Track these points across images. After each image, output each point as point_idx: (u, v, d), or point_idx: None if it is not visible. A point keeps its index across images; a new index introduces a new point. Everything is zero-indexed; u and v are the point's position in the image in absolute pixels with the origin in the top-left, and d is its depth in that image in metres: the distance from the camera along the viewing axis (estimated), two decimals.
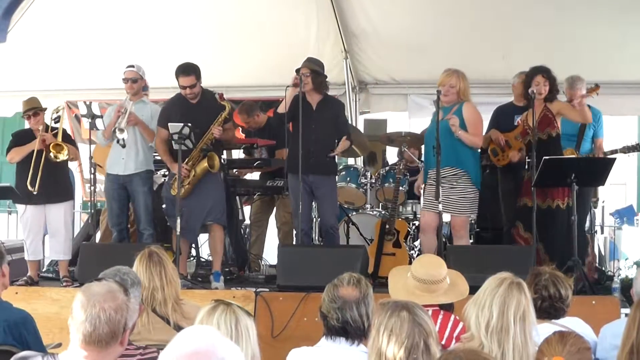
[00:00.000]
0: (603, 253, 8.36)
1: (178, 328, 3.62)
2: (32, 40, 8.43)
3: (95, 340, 2.51)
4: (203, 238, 7.62)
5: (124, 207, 7.01)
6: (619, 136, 9.00)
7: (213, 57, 8.49)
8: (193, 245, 7.64)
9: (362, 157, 8.76)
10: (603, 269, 7.52)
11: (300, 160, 6.38)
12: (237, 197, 7.97)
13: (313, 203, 6.89)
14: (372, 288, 3.24)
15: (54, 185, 6.77)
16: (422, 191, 6.83)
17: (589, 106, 6.55)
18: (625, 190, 12.63)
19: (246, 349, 2.54)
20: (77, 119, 9.77)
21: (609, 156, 6.94)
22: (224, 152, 7.66)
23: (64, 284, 6.71)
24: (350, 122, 8.54)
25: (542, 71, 6.45)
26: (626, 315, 3.20)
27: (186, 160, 6.53)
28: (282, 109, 6.63)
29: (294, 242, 7.12)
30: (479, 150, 6.64)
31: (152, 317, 3.75)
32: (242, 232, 8.17)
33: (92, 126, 7.01)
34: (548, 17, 7.95)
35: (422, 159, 7.38)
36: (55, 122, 6.93)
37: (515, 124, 6.81)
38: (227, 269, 7.25)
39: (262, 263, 7.80)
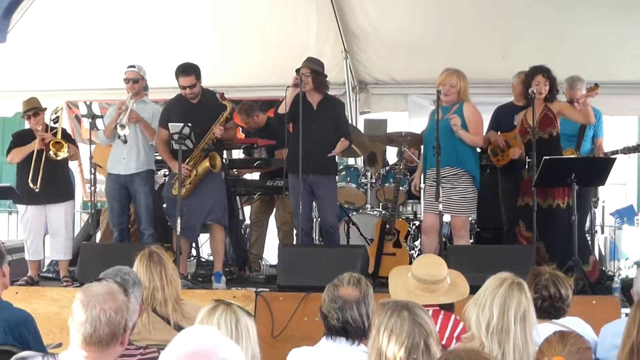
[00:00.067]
0: (603, 253, 8.37)
1: (178, 328, 3.62)
2: (32, 40, 8.43)
3: (95, 341, 2.51)
4: (203, 238, 7.62)
5: (125, 207, 7.01)
6: (619, 136, 9.01)
7: (213, 57, 8.49)
8: (193, 245, 7.64)
9: (362, 157, 8.76)
10: (603, 268, 7.52)
11: (301, 160, 6.38)
12: (237, 197, 7.98)
13: (313, 203, 6.89)
14: (372, 288, 3.24)
15: (54, 185, 6.77)
16: (421, 191, 6.82)
17: None
18: (625, 190, 12.63)
19: (246, 349, 2.54)
20: (77, 119, 9.77)
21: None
22: (224, 152, 7.67)
23: (64, 284, 6.71)
24: (350, 122, 8.54)
25: (542, 71, 6.45)
26: (626, 315, 3.20)
27: (187, 160, 6.54)
28: (282, 109, 6.63)
29: (294, 242, 7.12)
30: (479, 150, 6.64)
31: (153, 317, 3.75)
32: (242, 232, 8.17)
33: (93, 126, 7.01)
34: (548, 17, 7.95)
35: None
36: (54, 123, 6.93)
37: (515, 123, 6.81)
38: (227, 269, 7.25)
39: (263, 263, 7.80)
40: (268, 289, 6.25)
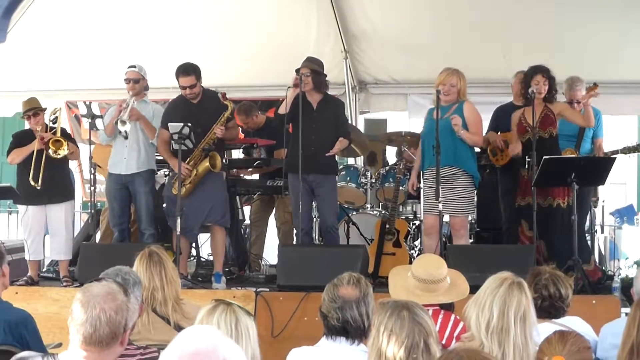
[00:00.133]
0: (603, 252, 8.37)
1: (178, 328, 3.62)
2: (32, 40, 8.43)
3: (95, 341, 2.51)
4: (203, 238, 7.62)
5: (126, 207, 7.00)
6: (619, 136, 9.01)
7: (213, 57, 8.49)
8: (193, 245, 7.64)
9: (362, 157, 8.77)
10: (603, 268, 7.52)
11: (301, 160, 6.38)
12: (237, 197, 7.98)
13: (313, 203, 6.89)
14: (372, 288, 3.24)
15: (54, 185, 6.78)
16: (421, 191, 6.82)
17: None
18: (625, 190, 12.65)
19: (246, 349, 2.54)
20: (77, 119, 9.77)
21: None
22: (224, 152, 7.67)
23: (64, 284, 6.71)
24: (350, 121, 8.54)
25: (542, 70, 6.45)
26: (626, 314, 3.20)
27: (188, 159, 6.54)
28: (283, 109, 6.63)
29: (294, 242, 7.12)
30: (478, 150, 6.64)
31: (153, 317, 3.75)
32: (242, 232, 8.17)
33: (92, 126, 7.01)
34: (548, 17, 7.95)
35: None
36: (53, 124, 6.93)
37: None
38: (227, 269, 7.25)
39: (262, 263, 7.80)
40: (268, 289, 6.25)
